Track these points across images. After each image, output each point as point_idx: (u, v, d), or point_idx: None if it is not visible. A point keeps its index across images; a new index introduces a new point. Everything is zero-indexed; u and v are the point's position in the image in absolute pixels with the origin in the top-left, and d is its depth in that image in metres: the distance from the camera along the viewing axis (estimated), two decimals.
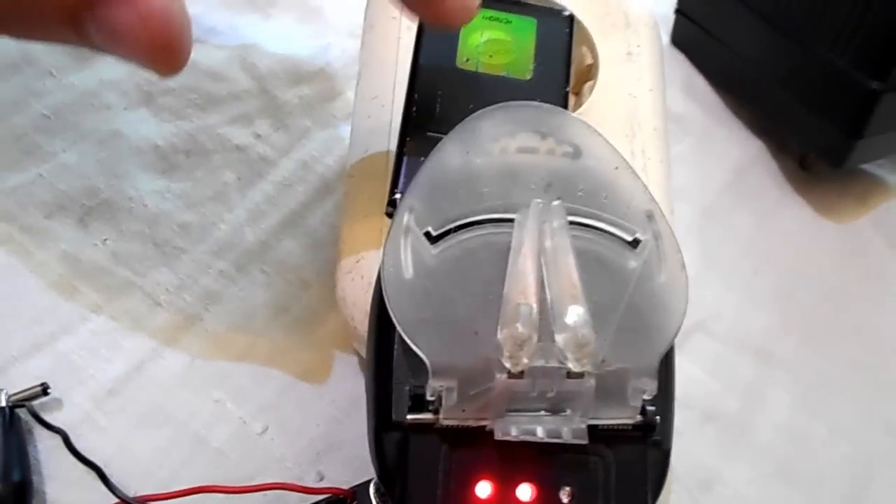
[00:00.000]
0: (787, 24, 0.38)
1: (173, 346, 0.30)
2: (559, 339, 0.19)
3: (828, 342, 0.35)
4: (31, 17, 0.18)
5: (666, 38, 0.45)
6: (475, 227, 0.20)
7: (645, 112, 0.30)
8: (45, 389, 0.27)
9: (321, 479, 0.28)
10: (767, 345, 0.34)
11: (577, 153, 0.22)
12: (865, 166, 0.42)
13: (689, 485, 0.30)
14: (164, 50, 0.18)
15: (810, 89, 0.38)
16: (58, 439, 0.27)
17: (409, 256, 0.20)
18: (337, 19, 0.40)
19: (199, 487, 0.25)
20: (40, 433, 0.27)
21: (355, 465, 0.28)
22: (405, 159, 0.23)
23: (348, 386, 0.30)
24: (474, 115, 0.22)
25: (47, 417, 0.27)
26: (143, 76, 0.37)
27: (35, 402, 0.27)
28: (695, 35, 0.43)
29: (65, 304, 0.30)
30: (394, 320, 0.19)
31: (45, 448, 0.27)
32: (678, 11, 0.44)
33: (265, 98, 0.37)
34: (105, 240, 0.32)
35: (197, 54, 0.38)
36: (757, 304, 0.36)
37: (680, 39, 0.45)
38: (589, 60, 0.31)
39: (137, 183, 0.34)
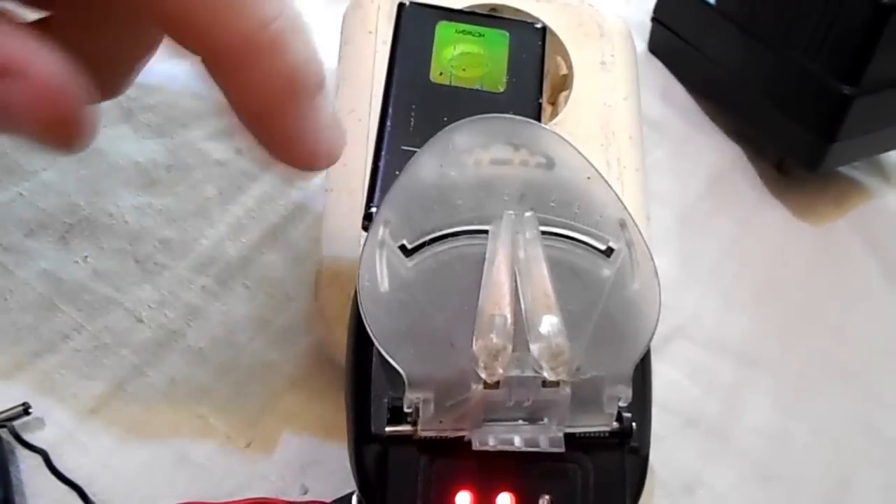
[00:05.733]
0: (761, 30, 0.39)
1: (155, 363, 0.30)
2: (534, 348, 0.19)
3: (807, 344, 0.35)
4: None
5: (642, 45, 0.45)
6: (449, 239, 0.21)
7: (620, 121, 0.30)
8: (26, 409, 0.27)
9: (305, 492, 0.28)
10: (747, 348, 0.35)
11: (549, 164, 0.22)
12: (842, 169, 0.42)
13: (671, 489, 0.30)
14: (60, 127, 0.17)
15: (785, 94, 0.38)
16: (40, 459, 0.26)
17: (385, 270, 0.20)
18: (314, 34, 0.41)
19: None
20: (22, 452, 0.27)
21: (340, 477, 0.28)
22: (380, 173, 0.24)
23: (332, 398, 0.30)
24: (447, 128, 0.22)
25: (30, 437, 0.27)
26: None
27: (17, 422, 0.27)
28: (671, 42, 0.44)
29: (46, 322, 0.30)
30: (370, 333, 0.20)
31: (28, 467, 0.27)
32: (654, 19, 0.45)
33: None
34: (86, 257, 0.32)
35: (177, 70, 0.38)
36: (736, 308, 0.36)
37: (656, 47, 0.45)
38: (564, 70, 0.31)
39: (118, 199, 0.34)
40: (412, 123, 0.24)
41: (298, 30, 0.19)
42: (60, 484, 0.26)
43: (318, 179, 0.36)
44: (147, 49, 0.23)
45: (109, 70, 0.22)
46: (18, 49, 0.16)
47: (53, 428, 0.28)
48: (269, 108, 0.19)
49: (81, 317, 0.30)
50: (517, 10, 0.31)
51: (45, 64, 0.17)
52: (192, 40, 0.18)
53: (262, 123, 0.19)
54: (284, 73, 0.18)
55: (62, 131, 0.17)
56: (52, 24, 0.21)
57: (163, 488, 0.27)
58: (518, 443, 0.20)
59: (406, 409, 0.20)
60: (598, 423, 0.20)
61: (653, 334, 0.21)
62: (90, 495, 0.26)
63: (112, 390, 0.29)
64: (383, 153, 0.24)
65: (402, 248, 0.21)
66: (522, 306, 0.20)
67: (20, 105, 0.16)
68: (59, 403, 0.28)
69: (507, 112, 0.23)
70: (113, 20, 0.21)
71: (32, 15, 0.23)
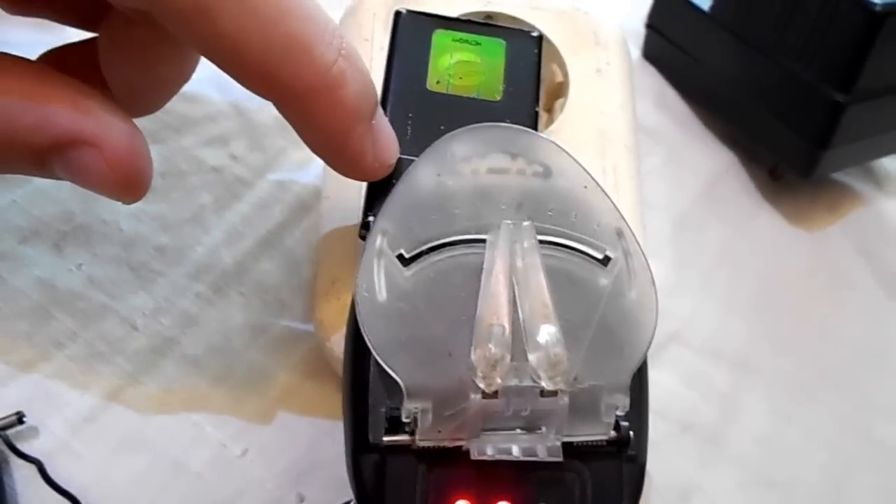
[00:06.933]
0: (754, 37, 0.39)
1: (150, 371, 0.30)
2: (532, 358, 0.19)
3: (802, 350, 0.35)
4: None
5: (637, 52, 0.45)
6: (447, 248, 0.21)
7: (616, 128, 0.30)
8: (20, 418, 0.27)
9: (302, 500, 0.28)
10: (742, 354, 0.35)
11: (547, 173, 0.22)
12: (835, 175, 0.42)
13: (667, 496, 0.30)
14: (129, 187, 0.19)
15: (778, 101, 0.39)
16: (34, 468, 0.26)
17: (383, 279, 0.20)
18: None
19: None
20: (16, 462, 0.27)
21: (336, 486, 0.28)
22: (378, 182, 0.23)
23: (329, 407, 0.30)
24: (445, 136, 0.22)
25: (24, 446, 0.27)
26: None
27: (10, 431, 0.27)
28: (665, 49, 0.44)
29: (40, 330, 0.30)
30: (368, 343, 0.20)
31: (22, 477, 0.27)
32: (649, 26, 0.45)
33: (240, 119, 0.38)
34: (80, 264, 0.32)
35: None
36: (731, 314, 0.36)
37: (651, 53, 0.45)
38: (559, 78, 0.31)
39: (112, 206, 0.33)
40: (409, 132, 0.24)
41: (354, 61, 0.20)
42: (55, 494, 0.26)
43: (313, 185, 0.36)
44: (190, 71, 0.23)
45: (153, 90, 0.23)
46: (90, 122, 0.18)
47: (48, 437, 0.28)
48: (334, 136, 0.21)
49: (76, 324, 0.30)
50: (513, 18, 0.31)
51: (116, 136, 0.19)
52: (263, 88, 0.19)
53: (331, 150, 0.21)
54: (346, 105, 0.20)
55: (129, 190, 0.19)
56: (99, 44, 0.22)
57: (158, 497, 0.27)
58: (516, 452, 0.20)
59: (404, 419, 0.20)
60: (596, 433, 0.20)
61: (650, 343, 0.21)
62: None
63: (107, 399, 0.29)
64: None
65: (400, 257, 0.20)
66: (520, 316, 0.20)
67: (93, 172, 0.19)
68: (53, 412, 0.28)
69: (504, 120, 0.23)
70: (160, 44, 0.21)
71: (81, 34, 0.23)
